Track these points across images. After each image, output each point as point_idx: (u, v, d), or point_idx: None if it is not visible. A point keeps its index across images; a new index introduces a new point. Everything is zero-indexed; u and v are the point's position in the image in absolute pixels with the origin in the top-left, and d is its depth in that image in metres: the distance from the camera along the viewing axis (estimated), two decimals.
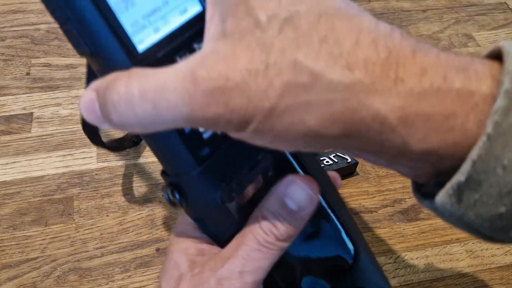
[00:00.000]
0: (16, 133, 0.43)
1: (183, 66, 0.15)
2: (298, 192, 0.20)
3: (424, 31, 0.57)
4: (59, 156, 0.42)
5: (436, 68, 0.15)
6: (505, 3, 0.62)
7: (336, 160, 0.41)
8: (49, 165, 0.41)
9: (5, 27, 0.54)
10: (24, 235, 0.37)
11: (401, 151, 0.15)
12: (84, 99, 0.16)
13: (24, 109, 0.45)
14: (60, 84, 0.48)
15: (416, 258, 0.37)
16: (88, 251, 0.36)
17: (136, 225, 0.38)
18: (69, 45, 0.55)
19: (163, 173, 0.21)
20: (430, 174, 0.16)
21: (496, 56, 0.16)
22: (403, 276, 0.36)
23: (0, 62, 0.50)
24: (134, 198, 0.39)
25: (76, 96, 0.47)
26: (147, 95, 0.15)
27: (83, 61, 0.51)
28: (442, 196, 0.15)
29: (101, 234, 0.37)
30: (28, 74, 0.49)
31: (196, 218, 0.22)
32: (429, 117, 0.14)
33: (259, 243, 0.20)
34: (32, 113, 0.45)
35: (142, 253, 0.36)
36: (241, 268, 0.20)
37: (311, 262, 0.24)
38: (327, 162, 0.40)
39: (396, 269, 0.36)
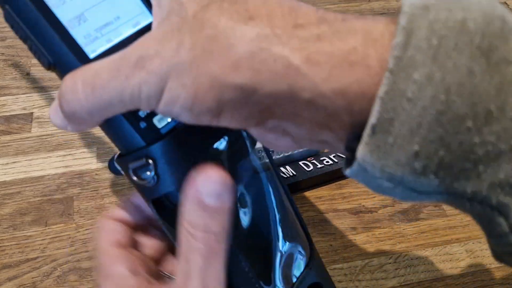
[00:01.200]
0: (16, 133, 0.43)
1: (120, 52, 0.17)
2: (209, 186, 0.18)
3: None
4: (59, 156, 0.42)
5: (336, 16, 0.16)
6: (505, 3, 0.62)
7: (336, 160, 0.41)
8: (49, 165, 0.41)
9: (5, 27, 0.54)
10: (24, 235, 0.37)
11: (312, 99, 0.15)
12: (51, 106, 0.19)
13: (24, 109, 0.46)
14: (60, 84, 0.48)
15: (416, 258, 0.37)
16: (88, 251, 0.36)
17: None
18: None
19: (121, 156, 0.21)
20: (349, 130, 0.16)
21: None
22: (403, 276, 0.36)
23: (0, 62, 0.50)
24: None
25: None
26: (87, 80, 0.17)
27: None
28: (361, 148, 0.15)
29: None
30: (28, 74, 0.49)
31: (164, 195, 0.21)
32: (330, 54, 0.15)
33: (205, 256, 0.18)
34: (32, 113, 0.45)
35: None
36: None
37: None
38: (327, 162, 0.40)
39: (396, 269, 0.36)
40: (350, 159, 0.16)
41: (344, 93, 0.15)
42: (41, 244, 0.36)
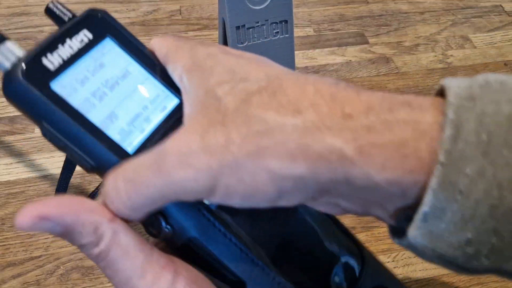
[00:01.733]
0: (20, 133, 0.44)
1: (157, 148, 0.17)
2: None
3: (422, 33, 0.58)
4: (62, 156, 0.43)
5: (381, 103, 0.16)
6: (500, 5, 0.63)
7: None
8: (52, 165, 0.42)
9: (9, 29, 0.55)
10: (28, 234, 0.37)
11: (367, 186, 0.16)
12: None
13: None
14: None
15: (414, 257, 0.37)
16: None
17: (138, 224, 0.38)
18: None
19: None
20: (400, 211, 0.17)
21: (440, 94, 0.16)
22: (401, 274, 0.36)
23: None
24: None
25: None
26: (128, 177, 0.17)
27: None
28: (412, 230, 0.15)
29: None
30: None
31: (184, 243, 0.21)
32: (382, 146, 0.15)
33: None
34: None
35: None
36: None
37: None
38: None
39: (394, 267, 0.37)
40: (398, 230, 0.17)
41: (397, 183, 0.15)
42: (44, 242, 0.37)
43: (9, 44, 0.20)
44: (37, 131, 0.44)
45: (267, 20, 0.40)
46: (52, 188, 0.40)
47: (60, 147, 0.20)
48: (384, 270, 0.25)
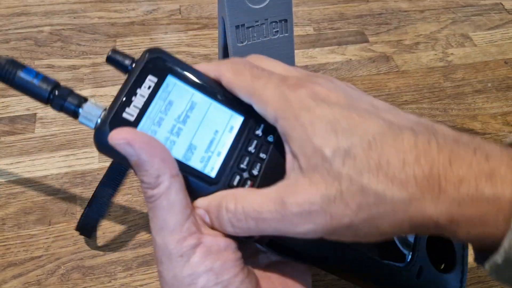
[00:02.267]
0: (20, 133, 0.44)
1: (273, 192, 0.21)
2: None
3: (422, 31, 0.58)
4: (62, 156, 0.43)
5: (469, 178, 0.18)
6: (501, 3, 0.62)
7: None
8: (52, 165, 0.42)
9: (9, 29, 0.55)
10: (29, 234, 0.37)
11: (453, 238, 0.21)
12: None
13: (28, 109, 0.46)
14: (62, 85, 0.49)
15: None
16: (90, 250, 0.37)
17: (137, 224, 0.38)
18: (72, 47, 0.56)
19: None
20: (477, 249, 0.21)
21: None
22: None
23: None
24: (135, 197, 0.40)
25: None
26: (250, 214, 0.21)
27: (85, 62, 0.51)
28: (487, 267, 0.19)
29: (104, 233, 0.38)
30: None
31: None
32: (469, 218, 0.19)
33: None
34: (35, 113, 0.46)
35: (144, 251, 0.37)
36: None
37: None
38: None
39: None
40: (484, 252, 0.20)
41: (477, 240, 0.19)
42: (45, 242, 0.37)
43: (91, 103, 0.23)
44: (38, 131, 0.44)
45: (267, 19, 0.40)
46: (52, 188, 0.40)
47: None
48: None
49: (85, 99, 0.23)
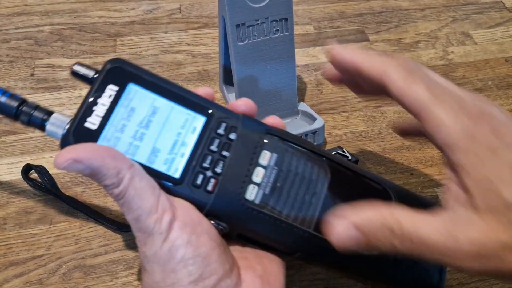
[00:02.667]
0: (21, 133, 0.44)
1: (440, 224, 0.21)
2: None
3: (422, 30, 0.58)
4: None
5: None
6: (501, 1, 0.62)
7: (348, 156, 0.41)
8: (53, 164, 0.42)
9: (9, 29, 0.55)
10: (30, 233, 0.37)
11: None
12: (342, 232, 0.22)
13: None
14: (63, 85, 0.49)
15: None
16: (92, 249, 0.37)
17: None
18: (72, 46, 0.56)
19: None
20: None
21: None
22: None
23: (5, 64, 0.51)
24: None
25: (79, 96, 0.48)
26: (416, 241, 0.21)
27: (86, 61, 0.51)
28: None
29: (105, 232, 0.38)
30: (32, 75, 0.50)
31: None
32: None
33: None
34: None
35: None
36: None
37: None
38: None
39: None
40: None
41: None
42: (46, 242, 0.37)
43: (56, 116, 0.24)
44: (37, 130, 0.44)
45: (267, 18, 0.40)
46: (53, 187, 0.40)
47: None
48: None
49: (51, 112, 0.24)
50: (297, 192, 0.25)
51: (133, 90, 0.24)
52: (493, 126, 0.21)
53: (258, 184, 0.25)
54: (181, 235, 0.22)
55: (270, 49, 0.41)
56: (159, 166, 0.24)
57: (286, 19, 0.40)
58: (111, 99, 0.24)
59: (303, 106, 0.45)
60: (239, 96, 0.42)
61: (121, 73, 0.24)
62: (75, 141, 0.23)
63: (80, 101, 0.47)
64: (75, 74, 0.25)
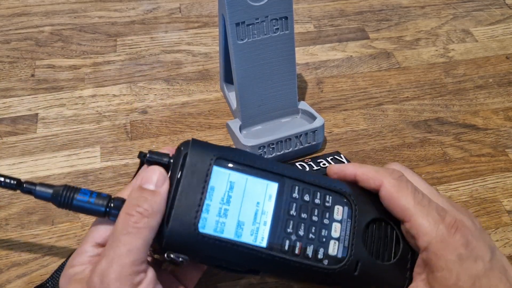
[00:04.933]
0: (22, 134, 0.44)
1: None
2: (150, 173, 0.25)
3: (423, 27, 0.58)
4: (64, 156, 0.43)
5: None
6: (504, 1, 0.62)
7: (332, 163, 0.41)
8: (54, 164, 0.42)
9: (10, 29, 0.55)
10: (32, 234, 0.37)
11: None
12: None
13: (30, 110, 0.46)
14: (64, 85, 0.49)
15: None
16: None
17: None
18: (72, 47, 0.56)
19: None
20: None
21: None
22: None
23: (5, 65, 0.51)
24: None
25: (80, 97, 0.48)
26: None
27: (86, 62, 0.52)
28: None
29: None
30: (33, 75, 0.50)
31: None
32: None
33: (126, 226, 0.24)
34: (37, 114, 0.46)
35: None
36: (114, 254, 0.23)
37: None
38: (323, 164, 0.41)
39: None
40: None
41: None
42: (48, 242, 0.37)
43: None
44: (40, 131, 0.44)
45: (267, 16, 0.39)
46: None
47: (223, 268, 0.26)
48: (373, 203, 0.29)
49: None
50: (245, 213, 0.26)
51: (214, 170, 0.26)
52: (466, 238, 0.25)
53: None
54: None
55: (270, 47, 0.41)
56: (246, 238, 0.25)
57: (286, 18, 0.40)
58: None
59: (303, 105, 0.45)
60: (239, 94, 0.42)
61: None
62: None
63: (81, 101, 0.47)
64: (148, 162, 0.26)
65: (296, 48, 0.42)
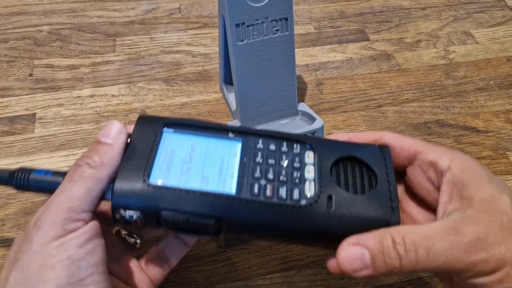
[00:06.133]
0: (20, 133, 0.44)
1: (444, 224, 0.22)
2: (108, 127, 0.26)
3: (423, 29, 0.58)
4: (62, 156, 0.42)
5: None
6: (503, 0, 0.62)
7: None
8: (52, 165, 0.42)
9: (8, 28, 0.54)
10: None
11: None
12: (350, 256, 0.23)
13: (27, 109, 0.46)
14: (62, 85, 0.49)
15: None
16: None
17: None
18: (71, 46, 0.56)
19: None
20: None
21: None
22: None
23: (3, 64, 0.50)
24: None
25: (78, 97, 0.48)
26: (421, 244, 0.21)
27: (85, 61, 0.51)
28: None
29: None
30: (30, 75, 0.50)
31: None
32: None
33: (71, 175, 0.24)
34: (35, 113, 0.46)
35: (145, 251, 0.37)
36: (54, 199, 0.23)
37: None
38: None
39: None
40: None
41: None
42: None
43: None
44: (37, 131, 0.44)
45: (267, 17, 0.39)
46: None
47: (181, 227, 0.24)
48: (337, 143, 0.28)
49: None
50: (209, 169, 0.26)
51: (169, 136, 0.27)
52: (484, 169, 0.25)
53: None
54: (80, 238, 0.23)
55: (270, 49, 0.41)
56: (213, 188, 0.25)
57: (286, 19, 0.40)
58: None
59: (302, 106, 0.44)
60: (239, 96, 0.42)
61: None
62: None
63: (79, 101, 0.47)
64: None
65: (296, 50, 0.42)
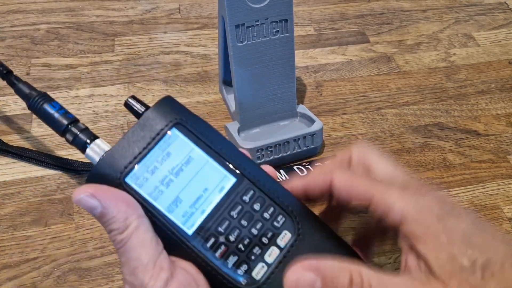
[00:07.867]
0: (16, 133, 0.44)
1: (404, 282, 0.21)
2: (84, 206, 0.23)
3: (424, 31, 0.57)
4: (59, 156, 0.42)
5: None
6: (505, 3, 0.62)
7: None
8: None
9: (5, 27, 0.54)
10: (24, 235, 0.37)
11: None
12: (301, 283, 0.21)
13: (24, 109, 0.46)
14: (59, 84, 0.48)
15: None
16: (88, 251, 0.36)
17: None
18: (69, 45, 0.56)
19: None
20: None
21: None
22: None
23: None
24: None
25: (76, 96, 0.47)
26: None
27: (83, 61, 0.51)
28: None
29: (101, 234, 0.37)
30: (28, 74, 0.49)
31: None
32: None
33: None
34: (31, 113, 0.45)
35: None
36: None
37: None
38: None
39: (396, 269, 0.36)
40: None
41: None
42: (41, 244, 0.36)
43: (99, 142, 0.25)
44: (33, 130, 0.44)
45: (267, 18, 0.39)
46: (48, 188, 0.40)
47: None
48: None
49: (95, 137, 0.25)
50: (188, 193, 0.24)
51: (175, 135, 0.24)
52: (436, 197, 0.23)
53: None
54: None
55: (269, 50, 0.40)
56: (177, 217, 0.23)
57: (286, 20, 0.40)
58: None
59: (302, 108, 0.44)
60: (238, 97, 0.41)
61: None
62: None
63: (77, 101, 0.47)
64: (127, 106, 0.25)
65: (296, 51, 0.42)
